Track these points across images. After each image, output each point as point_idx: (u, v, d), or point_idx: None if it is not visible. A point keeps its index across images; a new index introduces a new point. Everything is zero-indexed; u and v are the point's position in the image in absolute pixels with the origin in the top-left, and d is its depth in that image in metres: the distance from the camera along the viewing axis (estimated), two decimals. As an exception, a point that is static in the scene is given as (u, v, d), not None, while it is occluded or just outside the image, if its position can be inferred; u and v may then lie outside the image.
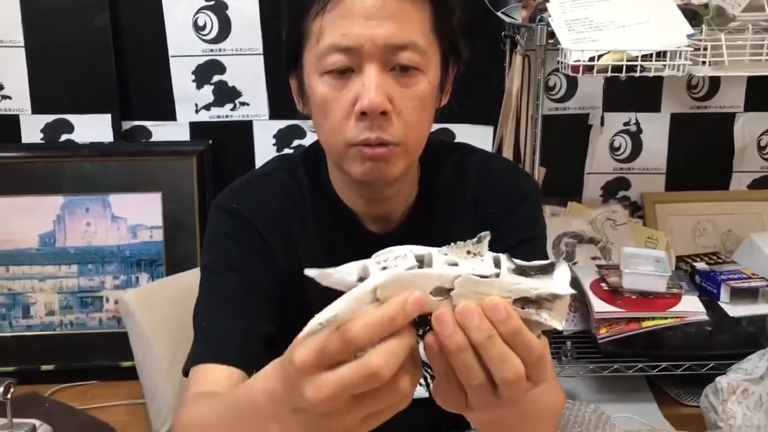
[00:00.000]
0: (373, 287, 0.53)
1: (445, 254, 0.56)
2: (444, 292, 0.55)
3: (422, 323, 0.56)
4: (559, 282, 0.56)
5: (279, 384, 0.57)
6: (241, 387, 0.69)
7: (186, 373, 0.86)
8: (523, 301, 0.56)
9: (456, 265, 0.55)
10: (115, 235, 1.99)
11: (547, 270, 0.57)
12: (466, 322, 0.53)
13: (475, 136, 1.94)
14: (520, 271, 0.56)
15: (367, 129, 0.80)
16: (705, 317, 1.69)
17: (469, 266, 0.55)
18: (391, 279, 0.53)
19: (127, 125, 2.02)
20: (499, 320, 0.53)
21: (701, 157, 2.11)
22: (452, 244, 0.56)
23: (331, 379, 0.52)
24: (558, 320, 0.56)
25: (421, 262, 0.56)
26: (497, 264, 0.56)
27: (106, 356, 1.98)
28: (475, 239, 0.56)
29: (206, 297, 0.89)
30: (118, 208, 1.98)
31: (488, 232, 0.56)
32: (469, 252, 0.56)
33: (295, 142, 2.04)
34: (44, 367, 1.97)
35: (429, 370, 0.95)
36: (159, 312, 1.48)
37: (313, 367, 0.52)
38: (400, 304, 0.51)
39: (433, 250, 0.56)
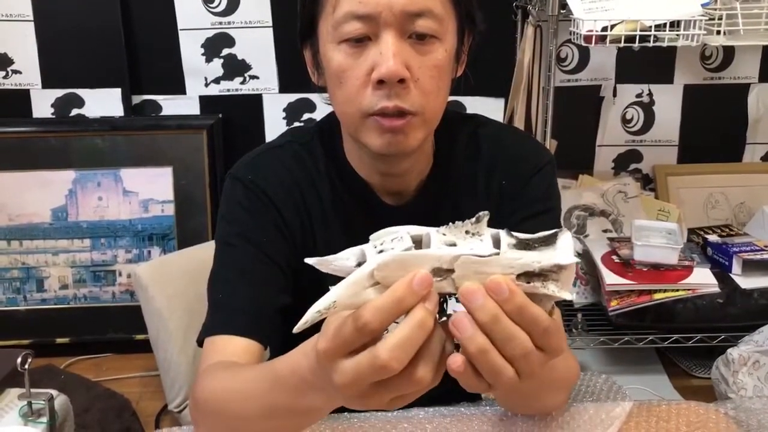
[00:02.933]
0: (370, 271, 0.53)
1: (444, 234, 0.55)
2: (443, 272, 0.54)
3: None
4: (562, 252, 0.55)
5: (313, 363, 0.59)
6: (267, 364, 0.71)
7: (201, 343, 0.87)
8: (528, 276, 0.55)
9: (454, 245, 0.55)
10: (126, 209, 2.00)
11: (550, 241, 0.55)
12: (470, 302, 0.53)
13: (485, 108, 1.93)
14: (522, 245, 0.55)
15: (385, 97, 0.79)
16: (716, 289, 1.69)
17: (468, 246, 0.55)
18: (388, 260, 0.53)
19: (137, 99, 2.02)
20: (503, 299, 0.53)
21: (714, 128, 2.09)
22: (450, 224, 0.56)
23: (348, 368, 0.53)
24: (566, 290, 0.55)
25: (419, 242, 0.55)
26: (497, 242, 0.55)
27: (120, 329, 2.00)
28: (474, 219, 0.55)
29: (221, 268, 0.90)
30: (130, 182, 1.99)
31: (486, 212, 0.56)
32: (467, 232, 0.55)
33: (305, 116, 2.03)
34: (59, 340, 2.00)
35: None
36: (172, 285, 1.48)
37: (334, 354, 0.54)
38: (406, 284, 0.52)
39: (431, 230, 0.56)
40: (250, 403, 0.72)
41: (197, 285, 1.02)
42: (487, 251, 0.54)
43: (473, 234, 0.55)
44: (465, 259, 0.54)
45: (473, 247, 0.55)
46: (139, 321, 1.51)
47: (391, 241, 0.55)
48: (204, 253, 1.18)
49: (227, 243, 0.90)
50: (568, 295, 0.56)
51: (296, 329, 0.54)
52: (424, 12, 0.79)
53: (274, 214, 0.90)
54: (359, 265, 0.55)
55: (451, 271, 0.54)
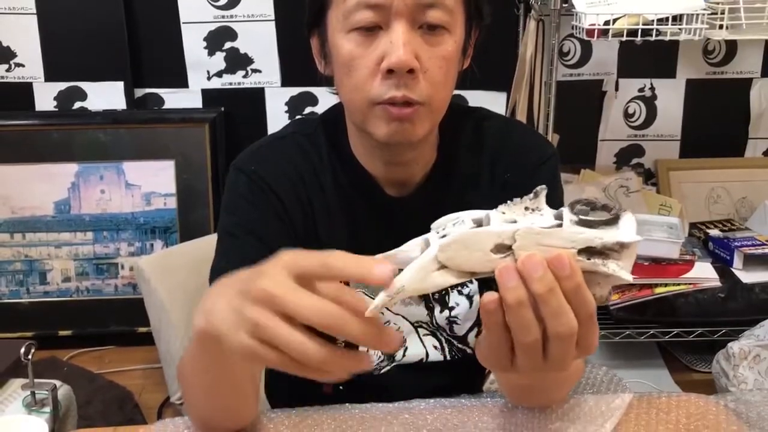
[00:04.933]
0: (434, 254, 0.54)
1: (503, 213, 0.55)
2: (505, 248, 0.54)
3: (484, 286, 0.55)
4: (625, 230, 0.54)
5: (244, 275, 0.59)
6: None
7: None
8: (589, 252, 0.54)
9: (515, 222, 0.55)
10: (129, 202, 2.00)
11: (612, 222, 0.55)
12: (530, 271, 0.53)
13: (488, 102, 1.93)
14: (585, 223, 0.54)
15: (394, 87, 0.79)
16: (718, 284, 1.69)
17: (528, 221, 0.55)
18: (450, 241, 0.53)
19: (139, 92, 2.02)
20: (563, 275, 0.53)
21: (716, 123, 2.09)
22: (509, 202, 0.56)
23: (283, 281, 0.54)
24: (627, 270, 0.55)
25: (480, 224, 0.55)
26: (558, 217, 0.55)
27: (123, 322, 2.01)
28: (531, 194, 0.55)
29: (223, 259, 0.90)
30: (132, 175, 1.99)
31: (544, 186, 0.56)
32: (527, 208, 0.55)
33: (308, 109, 2.03)
34: (62, 333, 2.01)
35: (444, 334, 0.96)
36: (174, 278, 1.49)
37: (287, 267, 0.54)
38: (374, 263, 0.53)
39: (491, 212, 0.56)
40: (188, 366, 0.75)
41: (199, 277, 1.03)
42: (549, 224, 0.54)
43: (533, 210, 0.56)
44: (526, 230, 0.54)
45: (534, 221, 0.55)
46: (142, 313, 1.52)
47: (453, 225, 0.56)
48: (206, 246, 1.18)
49: (229, 234, 0.90)
50: (628, 276, 0.55)
51: (368, 313, 0.54)
52: (435, 3, 0.80)
53: (277, 205, 0.90)
54: None
55: (511, 246, 0.54)
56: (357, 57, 0.81)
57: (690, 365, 1.82)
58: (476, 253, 0.54)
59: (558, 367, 0.57)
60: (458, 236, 0.54)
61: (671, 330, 1.74)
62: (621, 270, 0.55)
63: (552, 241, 0.54)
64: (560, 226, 0.54)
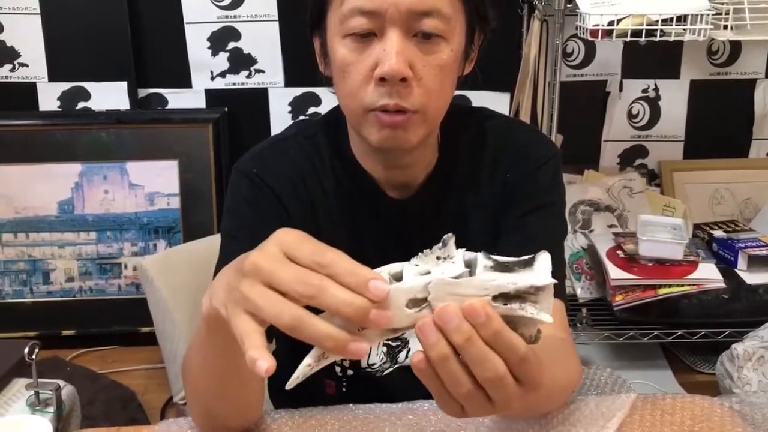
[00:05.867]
0: None
1: (416, 265, 0.55)
2: (420, 302, 0.54)
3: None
4: (539, 273, 0.55)
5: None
6: None
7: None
8: (505, 298, 0.54)
9: (428, 273, 0.55)
10: (132, 202, 2.00)
11: (529, 263, 0.55)
12: (445, 323, 0.53)
13: (491, 102, 1.92)
14: (500, 267, 0.55)
15: (386, 95, 0.79)
16: (722, 285, 1.69)
17: (440, 271, 0.54)
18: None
19: (143, 93, 2.02)
20: (479, 323, 0.53)
21: (720, 124, 2.09)
22: (420, 253, 0.55)
23: (276, 254, 0.54)
24: (545, 312, 0.55)
25: (397, 278, 0.55)
26: (470, 264, 0.55)
27: (126, 322, 2.01)
28: (440, 244, 0.55)
29: (225, 261, 0.89)
30: (136, 175, 2.00)
31: (451, 234, 0.55)
32: (438, 257, 0.55)
33: (311, 110, 2.03)
34: (65, 332, 2.01)
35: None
36: (178, 278, 1.48)
37: (281, 244, 0.55)
38: (371, 275, 0.52)
39: (405, 264, 0.56)
40: (194, 356, 0.75)
41: (202, 277, 1.02)
42: (458, 271, 0.54)
43: (444, 258, 0.55)
44: (437, 281, 0.54)
45: (444, 270, 0.55)
46: (145, 313, 1.52)
47: None
48: (209, 245, 1.18)
49: (231, 236, 0.90)
50: (547, 318, 0.55)
51: (288, 385, 0.56)
52: (431, 11, 0.79)
53: (278, 207, 0.90)
54: None
55: (426, 299, 0.54)
56: (351, 63, 0.80)
57: (693, 366, 1.82)
58: (392, 311, 0.54)
59: (506, 407, 0.56)
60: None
61: (675, 331, 1.74)
62: (540, 313, 0.55)
63: (464, 290, 0.54)
64: (471, 272, 0.54)
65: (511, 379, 0.55)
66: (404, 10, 0.78)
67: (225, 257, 0.90)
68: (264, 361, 0.52)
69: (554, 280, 0.55)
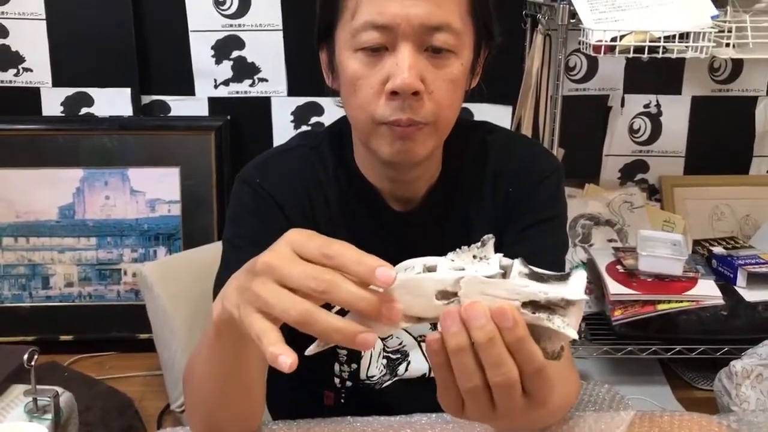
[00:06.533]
0: None
1: (452, 260, 0.56)
2: (450, 295, 0.55)
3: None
4: (572, 287, 0.55)
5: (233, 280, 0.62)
6: None
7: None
8: (534, 306, 0.55)
9: (462, 269, 0.55)
10: (133, 208, 2.01)
11: (564, 278, 0.56)
12: (472, 319, 0.54)
13: (493, 115, 1.94)
14: (536, 277, 0.55)
15: (398, 109, 0.79)
16: (721, 301, 1.69)
17: (474, 269, 0.55)
18: (395, 286, 0.54)
19: (146, 99, 2.03)
20: (505, 327, 0.53)
21: (721, 140, 2.09)
22: (458, 249, 0.56)
23: (287, 267, 0.55)
24: (572, 327, 0.55)
25: (430, 270, 0.56)
26: (504, 269, 0.56)
27: (124, 328, 2.01)
28: (479, 243, 0.56)
29: (226, 270, 0.90)
30: (137, 181, 2.00)
31: (491, 235, 0.56)
32: (475, 256, 0.56)
33: (313, 119, 2.04)
34: (63, 338, 2.01)
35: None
36: (177, 285, 1.49)
37: (291, 243, 0.56)
38: (377, 263, 0.53)
39: (441, 259, 0.56)
40: (200, 361, 0.75)
41: (202, 285, 1.03)
42: (492, 272, 0.55)
43: (480, 258, 0.56)
44: (470, 278, 0.55)
45: (479, 270, 0.55)
46: (143, 320, 1.52)
47: (405, 271, 0.56)
48: (209, 253, 1.18)
49: (233, 245, 0.91)
50: (573, 333, 0.55)
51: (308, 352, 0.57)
52: (442, 26, 0.79)
53: (281, 217, 0.91)
54: None
55: (457, 293, 0.55)
56: (362, 77, 0.81)
57: (692, 383, 1.82)
58: (419, 299, 0.55)
59: (507, 417, 0.57)
60: (403, 280, 0.55)
61: (674, 347, 1.74)
62: (566, 327, 0.55)
63: (496, 291, 0.55)
64: (505, 275, 0.55)
65: (520, 389, 0.55)
66: (417, 24, 0.78)
67: (226, 265, 0.90)
68: (286, 357, 0.53)
69: (587, 297, 0.55)
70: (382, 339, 0.98)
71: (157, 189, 2.00)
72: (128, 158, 1.99)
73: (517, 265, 0.56)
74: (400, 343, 0.98)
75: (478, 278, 0.54)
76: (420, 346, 0.98)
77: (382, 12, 0.78)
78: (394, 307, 0.54)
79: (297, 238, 0.57)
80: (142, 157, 1.99)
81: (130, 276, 2.01)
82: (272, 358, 0.53)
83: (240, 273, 0.61)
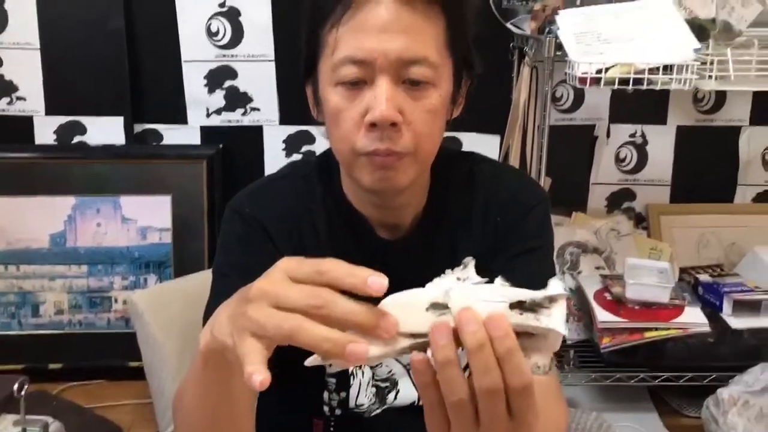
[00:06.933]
0: None
1: (437, 285, 0.59)
2: (441, 306, 0.57)
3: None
4: (552, 287, 0.58)
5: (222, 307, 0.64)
6: None
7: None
8: (521, 307, 0.57)
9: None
10: (124, 236, 2.01)
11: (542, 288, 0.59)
12: (464, 325, 0.55)
13: (482, 145, 1.96)
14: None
15: (377, 140, 0.81)
16: (707, 329, 1.70)
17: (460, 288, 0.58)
18: (388, 302, 0.57)
19: (139, 128, 2.05)
20: (496, 336, 0.55)
21: (706, 169, 2.12)
22: (443, 274, 0.59)
23: (280, 292, 0.57)
24: (559, 323, 0.57)
25: None
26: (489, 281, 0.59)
27: (114, 356, 2.00)
28: (461, 266, 0.59)
29: (216, 299, 0.91)
30: (129, 209, 2.01)
31: (471, 258, 0.59)
32: (458, 278, 0.59)
33: (305, 148, 2.06)
34: (52, 366, 2.00)
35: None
36: (167, 313, 1.49)
37: (284, 270, 0.58)
38: (368, 272, 0.55)
39: (428, 285, 0.59)
40: (188, 390, 0.77)
41: (192, 313, 1.03)
42: (477, 280, 0.58)
43: (463, 279, 0.58)
44: (458, 288, 0.57)
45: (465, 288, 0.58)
46: (134, 348, 1.52)
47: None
48: (200, 281, 1.19)
49: (223, 274, 0.92)
50: (561, 328, 0.57)
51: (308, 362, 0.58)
52: (419, 60, 0.82)
53: (270, 246, 0.92)
54: None
55: (448, 305, 0.57)
56: (343, 110, 0.83)
57: (680, 410, 1.82)
58: (412, 314, 0.57)
59: (488, 429, 0.58)
60: (395, 296, 0.57)
61: (662, 374, 1.75)
62: (553, 322, 0.57)
63: (484, 295, 0.57)
64: (490, 281, 0.58)
65: (504, 401, 0.57)
66: (393, 58, 0.81)
67: (216, 294, 0.92)
68: (258, 375, 0.54)
69: (568, 293, 0.58)
70: (372, 367, 0.98)
71: (148, 217, 2.01)
72: (120, 186, 2.00)
73: (498, 280, 0.59)
74: (390, 372, 0.99)
75: (467, 285, 0.57)
76: (409, 374, 0.99)
77: (359, 47, 0.81)
78: (389, 319, 0.55)
79: (289, 264, 0.59)
80: (134, 185, 2.00)
81: (120, 304, 2.01)
82: (247, 376, 0.54)
83: (231, 301, 0.62)
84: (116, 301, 2.02)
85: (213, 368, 0.68)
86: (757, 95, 2.06)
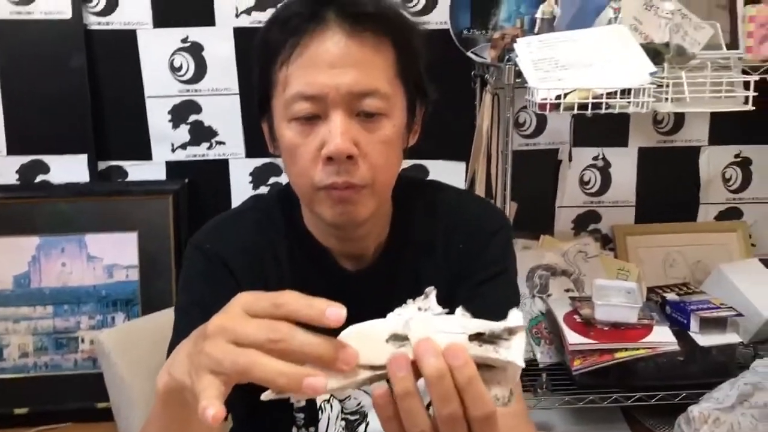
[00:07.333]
0: None
1: (398, 315, 0.59)
2: (401, 338, 0.57)
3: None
4: (511, 318, 0.58)
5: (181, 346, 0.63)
6: None
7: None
8: (480, 339, 0.58)
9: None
10: (90, 275, 1.98)
11: (502, 318, 0.59)
12: (423, 355, 0.55)
13: (447, 171, 1.98)
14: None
15: (334, 173, 0.82)
16: (676, 347, 1.71)
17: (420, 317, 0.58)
18: (347, 333, 0.57)
19: (103, 165, 2.03)
20: (456, 365, 0.55)
21: (669, 189, 2.16)
22: (404, 304, 0.59)
23: (235, 325, 0.56)
24: (518, 356, 0.57)
25: None
26: (449, 313, 0.59)
27: (82, 398, 1.95)
28: (423, 296, 0.59)
29: (178, 338, 0.90)
30: (94, 247, 1.98)
31: (433, 287, 0.59)
32: (419, 308, 0.59)
33: (272, 180, 2.06)
34: (18, 411, 1.95)
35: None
36: (135, 352, 1.47)
37: (242, 305, 0.57)
38: (326, 303, 0.55)
39: (389, 315, 0.59)
40: (149, 430, 0.75)
41: (161, 351, 1.02)
42: (439, 310, 0.58)
43: (425, 309, 0.58)
44: (417, 318, 0.57)
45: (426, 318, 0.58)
46: (101, 389, 1.49)
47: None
48: (168, 318, 1.17)
49: (185, 312, 0.91)
50: (520, 361, 0.57)
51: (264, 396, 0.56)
52: (370, 92, 0.83)
53: (232, 282, 0.91)
54: None
55: (407, 336, 0.57)
56: (298, 145, 0.84)
57: (653, 429, 1.83)
58: (372, 346, 0.57)
59: None
60: (355, 327, 0.57)
61: (634, 394, 1.75)
62: (512, 355, 0.58)
63: (444, 326, 0.57)
64: (447, 310, 0.58)
65: (466, 428, 0.56)
66: (345, 92, 0.82)
67: (178, 333, 0.91)
68: (212, 408, 0.53)
69: (526, 324, 0.58)
70: (340, 401, 0.98)
71: (114, 254, 1.98)
72: (85, 224, 1.98)
73: (459, 311, 0.59)
74: (359, 404, 0.98)
75: (427, 316, 0.57)
76: (378, 406, 0.98)
77: (310, 83, 0.82)
78: (349, 351, 0.55)
79: (246, 299, 0.58)
80: (100, 223, 1.98)
81: (87, 344, 1.97)
82: (201, 410, 0.53)
83: (189, 340, 0.62)
84: (83, 341, 1.98)
85: (172, 409, 0.67)
86: (714, 116, 2.11)
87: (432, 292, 0.59)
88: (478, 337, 0.57)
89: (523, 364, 0.58)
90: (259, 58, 0.88)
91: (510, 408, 0.85)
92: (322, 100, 0.81)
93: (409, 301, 0.59)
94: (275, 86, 0.85)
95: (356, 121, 0.83)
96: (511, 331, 0.58)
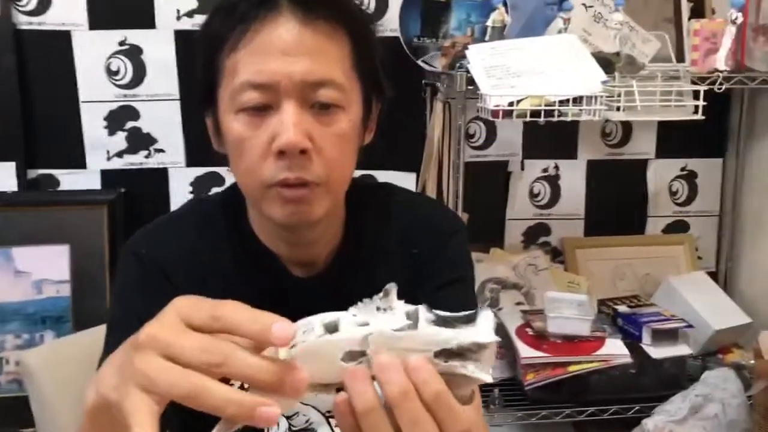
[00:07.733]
0: None
1: (354, 315, 0.52)
2: (358, 355, 0.51)
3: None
4: (482, 330, 0.53)
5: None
6: None
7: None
8: (447, 355, 0.52)
9: (367, 324, 0.52)
10: (17, 290, 1.86)
11: (470, 318, 0.53)
12: (383, 374, 0.50)
13: (398, 182, 1.89)
14: (442, 322, 0.52)
15: (286, 169, 0.76)
16: (629, 360, 1.70)
17: (380, 323, 0.52)
18: (298, 353, 0.50)
19: (32, 173, 1.91)
20: (420, 381, 0.50)
21: (617, 202, 2.16)
22: (359, 303, 0.53)
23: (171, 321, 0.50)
24: (486, 371, 0.53)
25: (331, 328, 0.52)
26: (414, 318, 0.52)
27: (6, 423, 1.83)
28: (382, 293, 0.53)
29: (109, 352, 0.83)
30: (22, 261, 1.86)
31: (394, 284, 0.53)
32: (378, 308, 0.53)
33: (213, 189, 1.97)
34: (-66, 439, 1.81)
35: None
36: (63, 373, 1.38)
37: (179, 313, 0.50)
38: (271, 320, 0.48)
39: (342, 314, 0.53)
40: None
41: (90, 371, 0.95)
42: (400, 324, 0.51)
43: (384, 309, 0.52)
44: (378, 334, 0.51)
45: (384, 322, 0.52)
46: (28, 413, 1.40)
47: (303, 333, 0.52)
48: (99, 336, 1.11)
49: (117, 324, 0.84)
50: (487, 377, 0.53)
51: None
52: (325, 82, 0.78)
53: (169, 289, 0.84)
54: None
55: (365, 352, 0.51)
56: (247, 138, 0.78)
57: (607, 444, 1.81)
58: (324, 364, 0.51)
59: None
60: (306, 347, 0.51)
61: (587, 409, 1.73)
62: (480, 372, 0.53)
63: (407, 344, 0.51)
64: (413, 326, 0.52)
65: None
66: (298, 81, 0.76)
67: (108, 348, 0.83)
68: None
69: (498, 338, 0.52)
70: (287, 417, 0.91)
71: (44, 269, 1.87)
72: (12, 237, 1.86)
73: (423, 312, 0.52)
74: (307, 421, 0.92)
75: (386, 333, 0.51)
76: (329, 422, 0.92)
77: (260, 71, 0.76)
78: (298, 376, 0.48)
79: (184, 304, 0.51)
80: (28, 235, 1.86)
81: (12, 365, 1.85)
82: None
83: (119, 351, 0.54)
84: (8, 362, 1.86)
85: (101, 426, 0.60)
86: (660, 129, 2.12)
87: (393, 289, 0.53)
88: (444, 353, 0.52)
89: (490, 379, 0.53)
90: (204, 45, 0.82)
91: (479, 416, 0.81)
92: (274, 89, 0.76)
93: (367, 300, 0.53)
94: (221, 75, 0.79)
95: (310, 113, 0.77)
96: (480, 346, 0.52)
